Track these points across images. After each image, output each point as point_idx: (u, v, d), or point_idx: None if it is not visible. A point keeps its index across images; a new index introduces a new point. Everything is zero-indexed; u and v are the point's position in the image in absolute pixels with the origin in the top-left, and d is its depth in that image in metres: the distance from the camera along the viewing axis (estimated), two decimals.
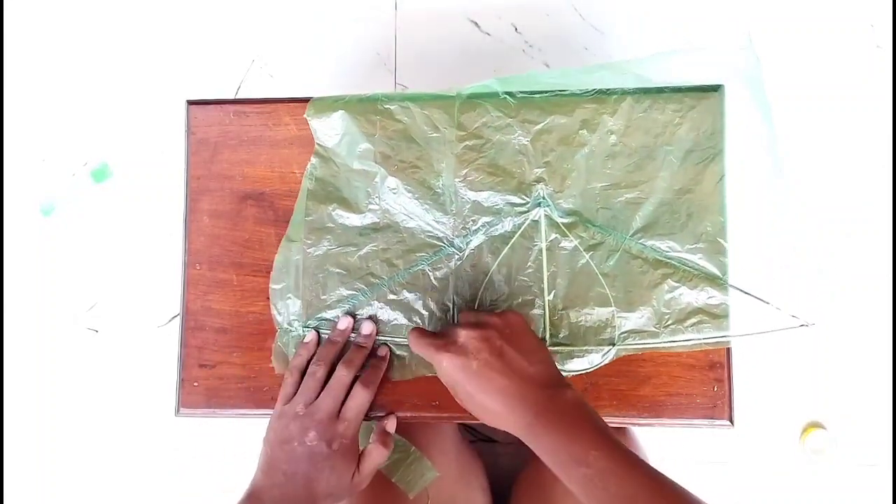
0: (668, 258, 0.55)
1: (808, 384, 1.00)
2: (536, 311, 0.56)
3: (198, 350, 0.60)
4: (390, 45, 1.09)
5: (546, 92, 0.57)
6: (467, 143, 0.57)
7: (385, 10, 1.09)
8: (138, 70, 1.11)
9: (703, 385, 0.56)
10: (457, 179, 0.57)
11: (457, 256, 0.57)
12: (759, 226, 0.56)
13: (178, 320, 0.61)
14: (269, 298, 0.59)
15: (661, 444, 0.99)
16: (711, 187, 0.55)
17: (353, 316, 0.58)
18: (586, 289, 0.56)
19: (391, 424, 0.56)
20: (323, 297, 0.58)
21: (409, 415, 0.57)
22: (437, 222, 0.57)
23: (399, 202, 0.57)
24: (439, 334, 0.50)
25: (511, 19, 1.07)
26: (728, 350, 0.56)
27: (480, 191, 0.57)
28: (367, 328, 0.57)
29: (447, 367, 0.47)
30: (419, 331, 0.51)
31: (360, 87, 1.07)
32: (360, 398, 0.54)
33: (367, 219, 0.58)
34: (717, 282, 0.55)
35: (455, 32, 1.08)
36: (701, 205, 0.55)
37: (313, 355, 0.56)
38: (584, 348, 0.56)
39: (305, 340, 0.57)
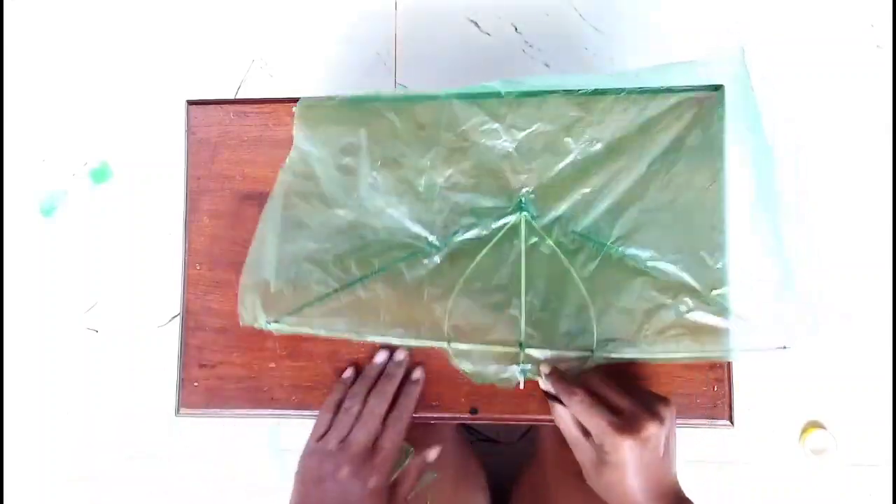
0: (648, 267, 0.55)
1: (808, 384, 1.00)
2: (513, 311, 0.56)
3: (198, 350, 0.60)
4: (390, 45, 1.09)
5: (534, 94, 0.57)
6: (453, 145, 0.57)
7: (385, 10, 1.09)
8: (138, 70, 1.11)
9: (703, 385, 0.56)
10: (440, 180, 0.57)
11: (435, 256, 0.56)
12: (750, 233, 0.55)
13: (178, 320, 0.61)
14: None
15: None
16: (694, 197, 0.55)
17: (391, 349, 0.57)
18: (565, 293, 0.55)
19: (433, 455, 0.55)
20: (295, 294, 0.57)
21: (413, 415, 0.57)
22: (417, 221, 0.57)
23: (379, 199, 0.57)
24: (610, 408, 0.48)
25: (511, 19, 1.07)
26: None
27: (463, 192, 0.56)
28: (399, 355, 0.56)
29: (625, 451, 0.46)
30: (588, 395, 0.49)
31: (360, 87, 1.07)
32: (397, 426, 0.52)
33: (346, 215, 0.57)
34: (696, 294, 0.54)
35: (455, 32, 1.08)
36: (683, 215, 0.55)
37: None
38: (562, 353, 0.55)
39: (344, 376, 0.56)
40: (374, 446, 0.51)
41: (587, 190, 0.55)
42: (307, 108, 0.58)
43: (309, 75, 1.09)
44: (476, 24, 1.08)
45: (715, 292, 0.54)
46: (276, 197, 0.58)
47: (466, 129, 0.57)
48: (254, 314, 0.58)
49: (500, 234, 0.56)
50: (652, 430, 0.46)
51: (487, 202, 0.56)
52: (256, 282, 0.57)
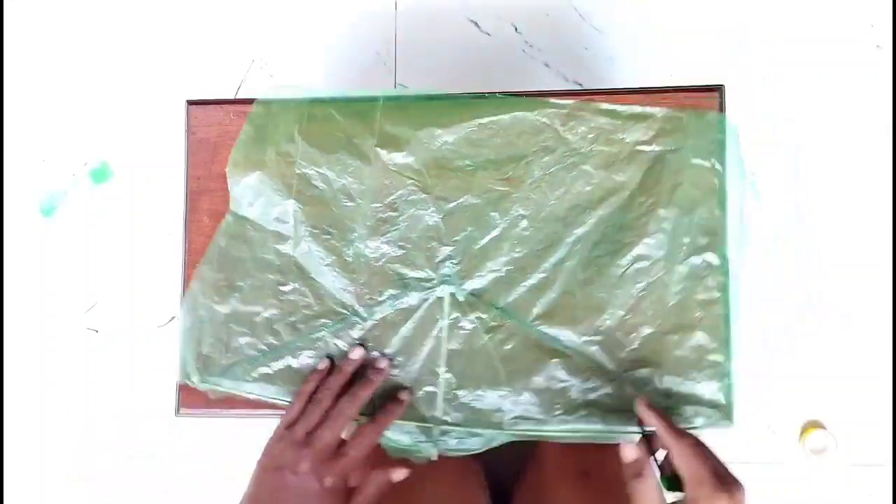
0: (565, 347, 0.55)
1: (808, 384, 1.00)
2: (430, 389, 0.56)
3: None
4: (390, 45, 1.09)
5: (464, 166, 0.57)
6: (381, 215, 0.57)
7: (385, 10, 1.09)
8: (138, 70, 1.11)
9: None
10: (367, 250, 0.57)
11: (360, 326, 0.57)
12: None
13: (177, 320, 0.61)
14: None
15: None
16: (614, 280, 0.55)
17: (365, 348, 0.57)
18: (482, 370, 0.56)
19: (398, 476, 0.53)
20: (226, 355, 0.57)
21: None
22: (345, 290, 0.57)
23: (309, 267, 0.57)
24: (717, 463, 0.48)
25: (511, 19, 1.07)
26: (728, 350, 0.56)
27: (390, 263, 0.57)
28: (381, 363, 0.56)
29: None
30: (700, 445, 0.48)
31: (359, 87, 1.07)
32: (369, 437, 0.52)
33: (277, 280, 0.57)
34: (609, 375, 0.55)
35: (455, 32, 1.08)
36: (600, 297, 0.55)
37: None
38: (474, 431, 0.56)
39: (319, 367, 0.56)
40: (340, 449, 0.51)
41: (510, 267, 0.56)
42: (236, 166, 0.58)
43: (309, 75, 1.09)
44: (476, 24, 1.08)
45: (627, 373, 0.54)
46: (209, 259, 0.58)
47: (395, 199, 0.57)
48: (186, 371, 0.58)
49: (424, 307, 0.56)
50: (741, 496, 0.46)
51: (413, 273, 0.57)
52: (189, 339, 0.58)
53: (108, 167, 1.11)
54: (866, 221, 1.01)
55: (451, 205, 0.57)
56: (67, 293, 1.10)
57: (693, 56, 1.04)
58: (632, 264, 0.55)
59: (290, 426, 0.52)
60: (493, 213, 0.56)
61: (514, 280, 0.56)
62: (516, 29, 1.07)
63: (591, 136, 0.56)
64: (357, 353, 0.56)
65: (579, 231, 0.56)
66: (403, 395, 0.56)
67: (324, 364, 0.56)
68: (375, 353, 0.57)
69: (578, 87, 1.05)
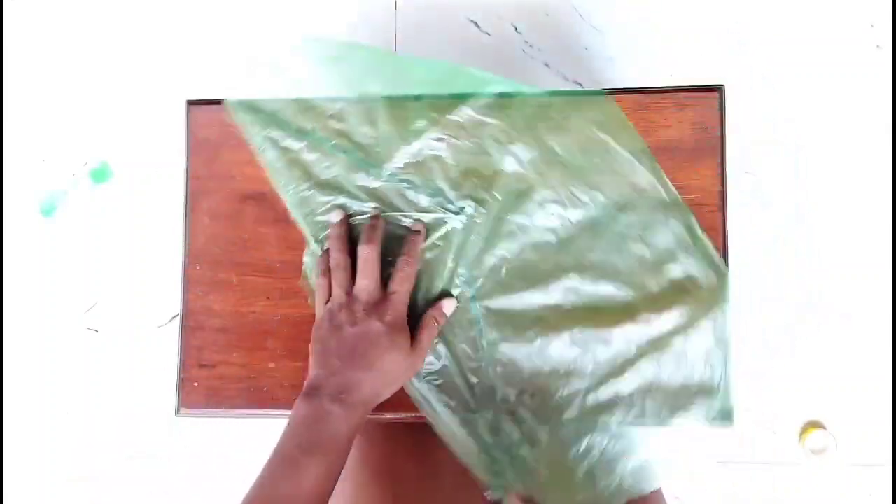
0: (483, 339, 0.56)
1: (808, 384, 1.00)
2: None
3: (198, 350, 0.60)
4: (390, 46, 1.09)
5: (554, 149, 0.56)
6: (464, 125, 0.57)
7: (385, 10, 1.09)
8: (138, 70, 1.11)
9: None
10: (431, 133, 0.57)
11: (372, 177, 0.57)
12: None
13: (177, 320, 0.61)
14: (268, 298, 0.59)
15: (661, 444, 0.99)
16: (561, 347, 0.55)
17: (344, 209, 0.57)
18: (418, 295, 0.56)
19: (448, 307, 0.55)
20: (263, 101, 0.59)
21: (412, 415, 0.58)
22: (388, 141, 0.57)
23: (376, 103, 0.57)
24: None
25: (511, 19, 1.07)
26: (727, 350, 0.56)
27: (435, 160, 0.57)
28: (376, 222, 0.56)
29: None
30: None
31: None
32: (406, 269, 0.53)
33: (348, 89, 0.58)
34: (490, 398, 0.56)
35: (455, 32, 1.08)
36: (538, 347, 0.56)
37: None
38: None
39: (319, 254, 0.57)
40: (384, 292, 0.52)
41: (507, 255, 0.56)
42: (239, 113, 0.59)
43: None
44: (476, 24, 1.08)
45: (480, 410, 0.56)
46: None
47: (482, 122, 0.57)
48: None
49: (424, 214, 0.57)
50: None
51: (444, 184, 0.57)
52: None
53: (108, 167, 1.11)
54: (866, 221, 1.01)
55: (518, 170, 0.56)
56: (67, 293, 1.10)
57: (693, 56, 1.04)
58: (571, 345, 0.55)
59: (327, 302, 0.53)
60: (528, 203, 0.56)
61: (498, 269, 0.56)
62: (516, 29, 1.07)
63: (665, 236, 0.55)
64: (337, 216, 0.56)
65: (583, 288, 0.55)
66: (417, 226, 0.56)
67: (322, 251, 0.56)
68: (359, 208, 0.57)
69: (578, 87, 1.05)
